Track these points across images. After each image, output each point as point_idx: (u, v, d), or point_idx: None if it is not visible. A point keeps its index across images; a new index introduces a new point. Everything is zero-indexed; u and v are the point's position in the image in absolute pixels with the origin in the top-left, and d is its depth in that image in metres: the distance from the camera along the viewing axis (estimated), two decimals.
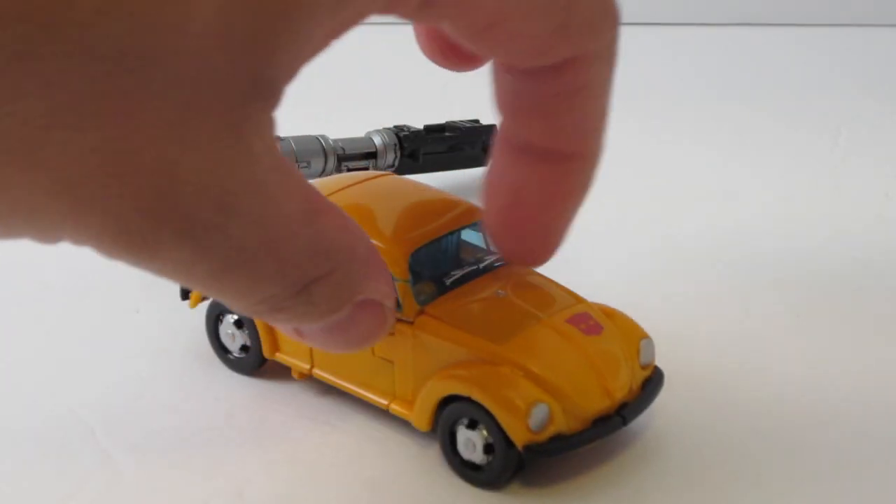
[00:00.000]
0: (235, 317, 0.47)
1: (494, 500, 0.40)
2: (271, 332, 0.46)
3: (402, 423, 0.43)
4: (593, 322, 0.42)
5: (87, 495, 0.40)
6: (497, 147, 0.40)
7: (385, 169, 0.66)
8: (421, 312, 0.42)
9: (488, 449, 0.40)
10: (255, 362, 0.47)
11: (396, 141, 0.66)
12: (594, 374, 0.41)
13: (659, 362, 0.44)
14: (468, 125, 0.70)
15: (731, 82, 0.98)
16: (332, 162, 0.62)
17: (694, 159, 0.79)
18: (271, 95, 0.30)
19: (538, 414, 0.39)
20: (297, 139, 0.62)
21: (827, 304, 0.56)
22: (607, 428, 0.41)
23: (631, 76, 1.00)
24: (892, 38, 1.11)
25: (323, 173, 0.62)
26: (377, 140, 0.66)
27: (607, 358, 0.41)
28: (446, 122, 0.70)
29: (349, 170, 0.64)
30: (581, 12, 0.33)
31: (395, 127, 0.67)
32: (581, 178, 0.39)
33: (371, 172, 0.47)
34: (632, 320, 0.44)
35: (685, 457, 0.43)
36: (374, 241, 0.41)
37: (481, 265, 0.44)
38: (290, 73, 0.31)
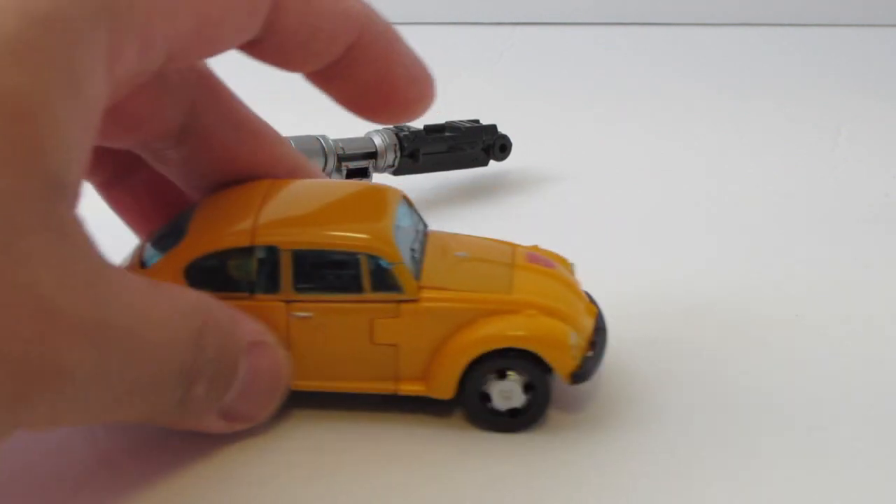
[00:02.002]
0: None
1: (495, 497, 0.40)
2: None
3: (386, 418, 0.44)
4: (543, 258, 0.47)
5: (87, 495, 0.40)
6: (320, 86, 0.44)
7: (385, 169, 0.66)
8: (420, 287, 0.43)
9: (526, 390, 0.43)
10: None
11: (396, 141, 0.66)
12: (578, 299, 0.46)
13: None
14: (468, 125, 0.70)
15: (731, 82, 0.98)
16: (331, 162, 0.62)
17: (693, 159, 0.79)
18: (72, 198, 0.32)
19: (574, 342, 0.43)
20: (297, 139, 0.62)
21: (826, 304, 0.56)
22: (602, 340, 0.45)
23: (631, 76, 1.01)
24: (892, 38, 1.11)
25: (323, 173, 0.62)
26: (377, 140, 0.66)
27: (575, 284, 0.47)
28: (446, 122, 0.70)
29: (349, 170, 0.64)
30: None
31: (395, 127, 0.67)
32: (379, 37, 0.42)
33: (267, 181, 0.46)
34: (553, 252, 0.49)
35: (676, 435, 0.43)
36: (355, 234, 0.42)
37: (419, 235, 0.46)
38: (73, 173, 0.32)
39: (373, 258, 0.42)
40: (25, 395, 0.30)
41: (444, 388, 0.43)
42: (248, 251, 0.42)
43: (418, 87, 0.44)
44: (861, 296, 0.57)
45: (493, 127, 0.71)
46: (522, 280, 0.44)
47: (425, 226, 0.47)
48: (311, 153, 0.62)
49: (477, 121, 0.71)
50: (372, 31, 0.41)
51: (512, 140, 0.71)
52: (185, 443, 0.43)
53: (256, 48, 0.40)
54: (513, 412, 0.43)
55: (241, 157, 0.43)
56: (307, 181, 0.47)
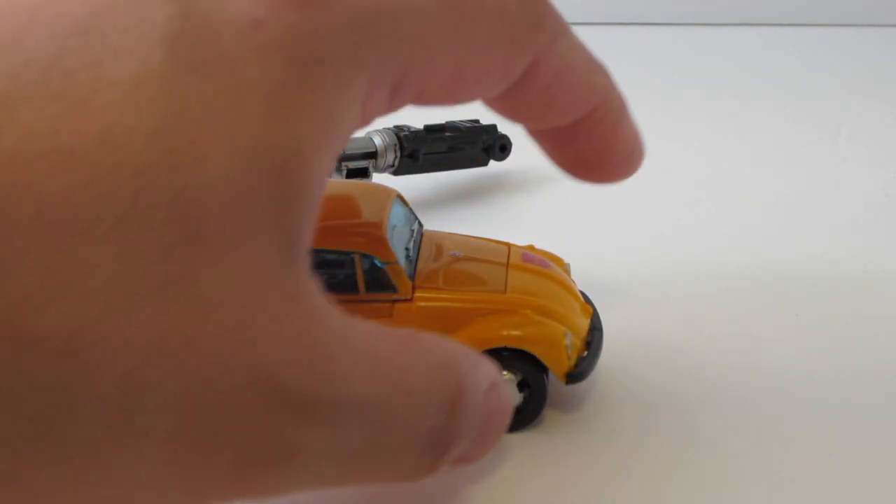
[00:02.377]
0: None
1: (491, 497, 0.40)
2: None
3: None
4: (538, 258, 0.47)
5: None
6: (538, 142, 0.42)
7: (385, 169, 0.66)
8: (415, 287, 0.43)
9: (521, 389, 0.43)
10: None
11: (396, 141, 0.66)
12: (574, 299, 0.46)
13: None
14: (469, 125, 0.70)
15: (731, 82, 0.98)
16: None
17: (693, 159, 0.79)
18: (304, 256, 0.29)
19: (569, 342, 0.43)
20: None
21: (827, 303, 0.56)
22: (598, 340, 0.45)
23: (630, 76, 1.01)
24: (892, 38, 1.11)
25: None
26: (377, 140, 0.66)
27: (570, 284, 0.47)
28: (446, 122, 0.70)
29: (349, 169, 0.63)
30: (515, 14, 0.34)
31: (395, 127, 0.67)
32: (611, 113, 0.41)
33: None
34: (548, 251, 0.49)
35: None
36: (350, 234, 0.42)
37: (415, 235, 0.45)
38: (309, 228, 0.30)
39: (367, 257, 0.42)
40: (249, 476, 0.28)
41: None
42: None
43: (631, 164, 0.44)
44: (861, 296, 0.57)
45: (494, 127, 0.71)
46: (517, 280, 0.44)
47: (420, 225, 0.47)
48: None
49: (477, 121, 0.71)
50: (607, 106, 0.40)
51: (512, 140, 0.71)
52: None
53: (499, 104, 0.38)
54: None
55: (574, 115, 0.40)
56: None
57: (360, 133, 0.66)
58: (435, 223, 0.58)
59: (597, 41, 1.04)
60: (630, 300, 0.55)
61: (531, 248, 0.49)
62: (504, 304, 0.43)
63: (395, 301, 0.42)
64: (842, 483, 0.41)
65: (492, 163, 0.71)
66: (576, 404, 0.46)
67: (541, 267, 0.46)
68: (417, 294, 0.43)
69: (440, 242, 0.46)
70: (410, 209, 0.47)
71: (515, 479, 0.41)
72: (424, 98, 0.34)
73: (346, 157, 0.63)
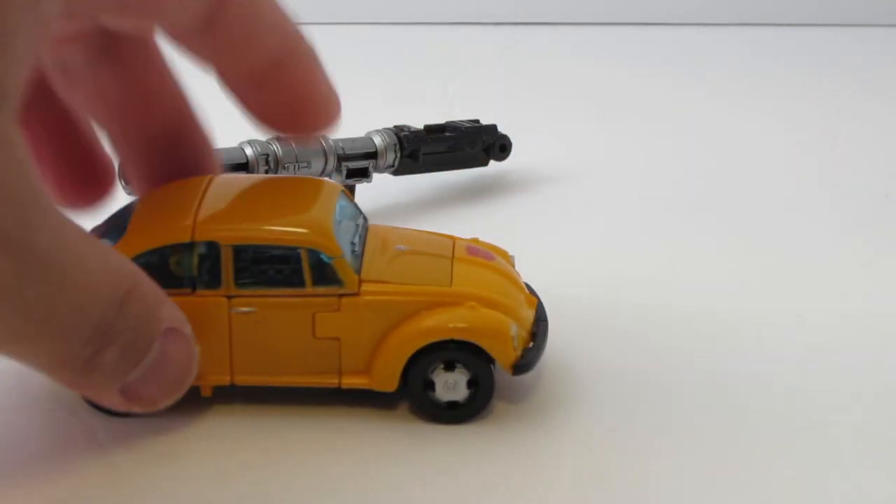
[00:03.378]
0: None
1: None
2: None
3: (331, 412, 0.44)
4: (483, 251, 0.47)
5: (88, 495, 0.40)
6: (235, 91, 0.44)
7: (385, 169, 0.66)
8: (361, 282, 0.43)
9: (469, 384, 0.43)
10: None
11: (396, 141, 0.66)
12: (519, 291, 0.46)
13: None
14: (468, 125, 0.70)
15: (731, 82, 0.98)
16: (332, 162, 0.62)
17: (692, 159, 0.79)
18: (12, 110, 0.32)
19: (515, 333, 0.43)
20: (298, 139, 0.62)
21: (826, 304, 0.56)
22: (543, 331, 0.45)
23: (631, 76, 1.01)
24: (892, 38, 1.11)
25: (323, 173, 0.62)
26: (377, 140, 0.66)
27: (515, 276, 0.47)
28: (446, 122, 0.70)
29: (349, 169, 0.64)
30: None
31: (395, 127, 0.67)
32: (303, 60, 0.44)
33: (207, 176, 0.46)
34: (493, 244, 0.49)
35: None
36: (295, 229, 0.42)
37: (360, 230, 0.46)
38: (17, 86, 0.32)
39: (313, 252, 0.42)
40: None
41: (388, 380, 0.43)
42: (188, 247, 0.42)
43: (326, 115, 0.46)
44: (861, 295, 0.57)
45: (494, 127, 0.71)
46: (463, 272, 0.45)
47: (365, 220, 0.47)
48: (311, 153, 0.62)
49: (477, 121, 0.71)
50: (299, 51, 0.43)
51: (512, 140, 0.71)
52: (187, 442, 0.43)
53: (195, 41, 0.41)
54: (454, 404, 0.44)
55: (267, 54, 0.43)
56: (248, 176, 0.47)
57: (360, 134, 0.66)
58: (435, 223, 0.58)
59: (597, 41, 1.03)
60: (633, 296, 0.55)
61: (476, 240, 0.49)
62: (450, 296, 0.43)
63: (341, 295, 0.43)
64: (842, 482, 0.41)
65: (492, 163, 0.71)
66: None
67: (486, 259, 0.47)
68: (364, 288, 0.43)
69: (385, 236, 0.47)
70: (355, 204, 0.47)
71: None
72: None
73: (346, 157, 0.63)
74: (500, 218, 0.67)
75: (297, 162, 0.61)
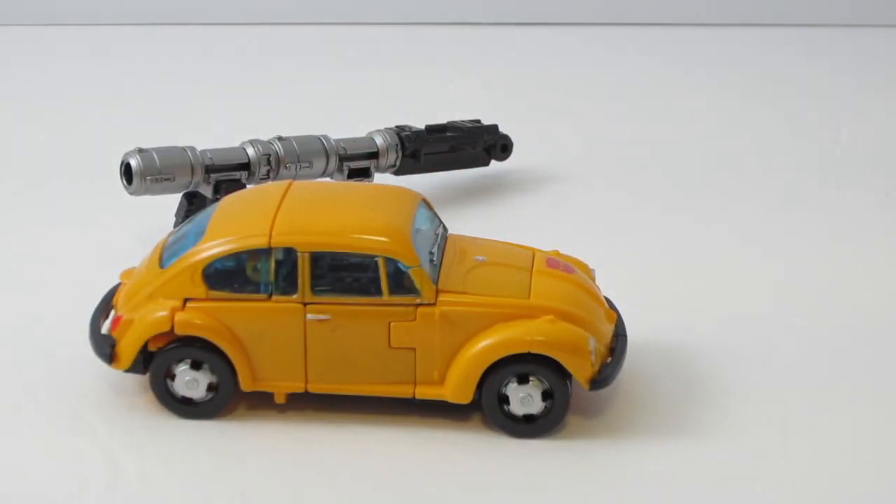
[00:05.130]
0: (190, 360, 0.43)
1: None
2: (249, 361, 0.43)
3: (404, 422, 0.44)
4: (563, 264, 0.47)
5: (89, 495, 0.40)
6: None
7: (386, 169, 0.66)
8: (438, 292, 0.43)
9: (545, 396, 0.43)
10: (224, 399, 0.44)
11: (398, 141, 0.66)
12: (599, 305, 0.46)
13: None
14: (470, 125, 0.70)
15: (731, 82, 0.98)
16: (333, 162, 0.62)
17: (692, 159, 0.78)
18: None
19: (593, 348, 0.43)
20: (300, 139, 0.62)
21: (827, 302, 0.56)
22: (622, 346, 0.45)
23: (631, 76, 1.01)
24: (893, 38, 1.11)
25: (324, 173, 0.62)
26: (379, 140, 0.66)
27: (595, 290, 0.47)
28: (448, 122, 0.70)
29: (351, 169, 0.64)
30: None
31: (397, 127, 0.67)
32: None
33: (286, 182, 0.46)
34: (574, 257, 0.49)
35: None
36: (376, 237, 0.42)
37: (439, 239, 0.46)
38: None
39: (391, 261, 0.42)
40: None
41: (462, 392, 0.43)
42: (265, 252, 0.42)
43: None
44: (861, 295, 0.57)
45: (495, 127, 0.71)
46: (541, 285, 0.44)
47: (445, 229, 0.47)
48: (313, 153, 0.62)
49: (478, 121, 0.71)
50: None
51: (513, 140, 0.71)
52: (188, 442, 0.43)
53: None
54: (529, 418, 0.43)
55: None
56: (327, 182, 0.47)
57: (361, 134, 0.66)
58: None
59: (597, 41, 1.03)
60: (636, 296, 0.55)
61: (556, 253, 0.48)
62: (528, 309, 0.43)
63: (418, 305, 0.43)
64: (846, 481, 0.41)
65: (493, 162, 0.71)
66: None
67: (565, 272, 0.46)
68: (441, 298, 0.43)
69: (464, 246, 0.46)
70: (435, 213, 0.47)
71: (534, 485, 0.41)
72: None
73: (347, 157, 0.63)
74: (500, 218, 0.67)
75: (298, 162, 0.61)
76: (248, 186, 0.59)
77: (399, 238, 0.42)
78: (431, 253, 0.44)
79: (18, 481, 0.41)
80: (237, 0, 1.09)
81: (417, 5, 1.09)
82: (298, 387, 0.44)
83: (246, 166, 0.59)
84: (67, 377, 0.48)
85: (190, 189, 0.58)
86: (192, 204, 0.61)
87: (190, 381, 0.44)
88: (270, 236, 0.42)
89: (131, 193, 0.57)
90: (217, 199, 0.48)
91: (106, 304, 0.47)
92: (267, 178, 0.60)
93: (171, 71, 0.97)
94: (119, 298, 0.45)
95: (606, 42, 1.08)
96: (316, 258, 0.42)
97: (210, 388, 0.44)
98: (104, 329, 0.45)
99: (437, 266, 0.44)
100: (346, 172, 0.63)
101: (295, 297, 0.42)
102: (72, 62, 0.99)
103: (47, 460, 0.42)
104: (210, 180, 0.58)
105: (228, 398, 0.44)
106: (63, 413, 0.45)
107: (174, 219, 0.62)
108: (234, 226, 0.43)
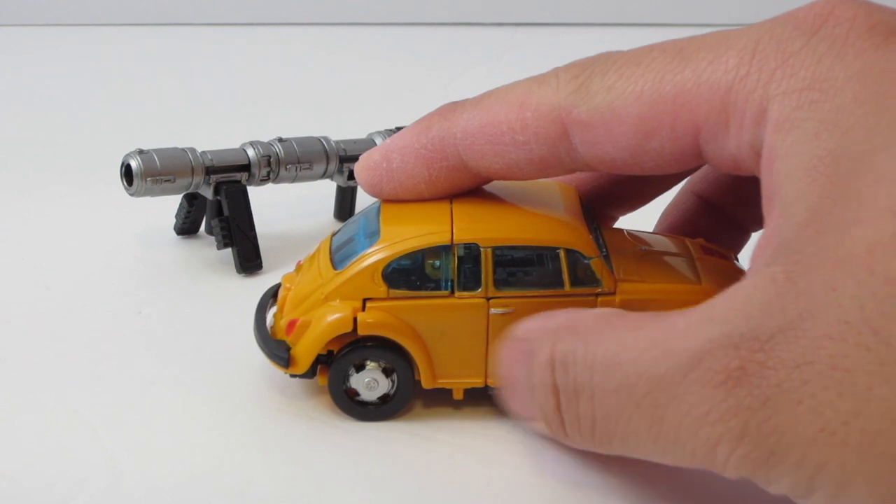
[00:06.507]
0: (384, 364, 0.44)
1: (507, 496, 0.40)
2: (430, 359, 0.43)
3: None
4: (716, 250, 0.47)
5: (89, 495, 0.40)
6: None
7: None
8: (617, 280, 0.43)
9: None
10: (397, 407, 0.44)
11: None
12: None
13: None
14: None
15: None
16: (333, 163, 0.63)
17: None
18: None
19: None
20: (300, 140, 0.62)
21: None
22: None
23: None
24: None
25: (324, 175, 0.63)
26: (378, 141, 0.66)
27: None
28: None
29: (351, 171, 0.64)
30: None
31: (396, 128, 0.67)
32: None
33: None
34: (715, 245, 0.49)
35: None
36: (555, 230, 0.43)
37: (597, 230, 0.45)
38: None
39: (572, 252, 0.42)
40: None
41: None
42: (447, 249, 0.42)
43: None
44: None
45: None
46: (708, 269, 0.45)
47: (595, 220, 0.47)
48: (313, 154, 0.62)
49: None
50: None
51: None
52: (188, 442, 0.43)
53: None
54: None
55: None
56: (489, 184, 0.46)
57: (361, 135, 0.66)
58: None
59: (596, 41, 1.04)
60: None
61: (703, 241, 0.48)
62: (702, 294, 0.42)
63: (598, 294, 0.43)
64: None
65: None
66: None
67: (723, 258, 0.47)
68: (620, 287, 0.43)
69: (619, 236, 0.47)
70: (589, 206, 0.47)
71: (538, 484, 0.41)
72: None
73: (347, 159, 0.63)
74: None
75: (298, 163, 0.61)
76: (248, 188, 0.59)
77: (577, 230, 0.43)
78: (600, 244, 0.44)
79: (18, 481, 0.41)
80: (237, 0, 1.09)
81: (417, 5, 1.10)
82: (478, 382, 0.44)
83: (246, 167, 0.59)
84: (67, 377, 0.48)
85: (190, 190, 0.58)
86: (193, 205, 0.61)
87: (370, 382, 0.44)
88: (452, 233, 0.42)
89: (132, 195, 0.57)
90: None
91: (263, 310, 0.47)
92: (267, 179, 0.60)
93: (172, 71, 0.97)
94: (284, 303, 0.45)
95: (606, 42, 1.08)
96: (498, 252, 0.42)
97: (382, 397, 0.44)
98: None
99: (608, 256, 0.44)
100: (346, 174, 0.63)
101: (478, 292, 0.42)
102: (72, 62, 0.99)
103: (47, 460, 0.42)
104: (210, 181, 0.58)
105: (408, 398, 0.44)
106: (63, 413, 0.45)
107: (174, 220, 0.62)
108: (411, 225, 0.43)
